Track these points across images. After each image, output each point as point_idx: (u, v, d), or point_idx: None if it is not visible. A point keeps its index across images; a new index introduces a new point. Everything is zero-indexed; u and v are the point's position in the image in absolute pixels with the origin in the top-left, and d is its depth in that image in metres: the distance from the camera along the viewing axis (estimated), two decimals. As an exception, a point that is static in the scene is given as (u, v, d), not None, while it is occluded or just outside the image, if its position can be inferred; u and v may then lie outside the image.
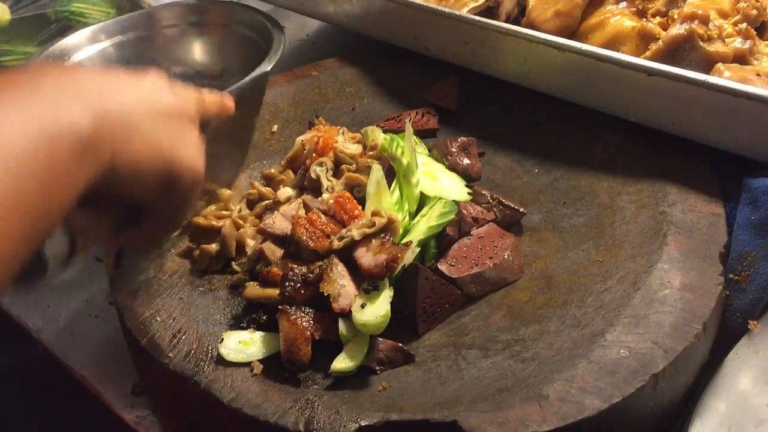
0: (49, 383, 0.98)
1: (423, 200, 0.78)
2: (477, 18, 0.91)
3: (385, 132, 0.86)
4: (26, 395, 1.02)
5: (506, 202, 0.79)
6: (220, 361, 0.67)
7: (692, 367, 0.65)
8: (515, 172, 0.88)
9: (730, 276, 0.69)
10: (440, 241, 0.75)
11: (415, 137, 0.83)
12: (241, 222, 0.81)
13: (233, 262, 0.79)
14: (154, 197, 0.57)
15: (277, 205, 0.82)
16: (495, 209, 0.79)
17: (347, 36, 1.15)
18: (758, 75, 0.77)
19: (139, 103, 0.55)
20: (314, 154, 0.85)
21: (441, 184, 0.80)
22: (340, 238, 0.70)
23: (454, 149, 0.85)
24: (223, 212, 0.83)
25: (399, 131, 0.87)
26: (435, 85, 1.01)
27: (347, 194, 0.77)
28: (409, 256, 0.69)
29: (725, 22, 0.86)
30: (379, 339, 0.67)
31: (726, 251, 0.70)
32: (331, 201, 0.76)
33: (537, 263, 0.76)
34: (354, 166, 0.82)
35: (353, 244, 0.70)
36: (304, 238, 0.71)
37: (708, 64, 0.80)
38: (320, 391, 0.64)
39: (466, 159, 0.85)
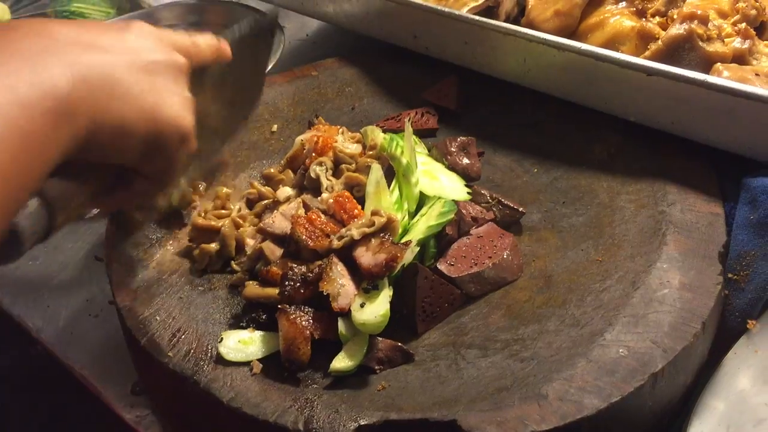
0: (48, 383, 0.98)
1: (422, 200, 0.78)
2: (476, 18, 0.91)
3: (384, 132, 0.87)
4: (26, 395, 1.02)
5: (505, 202, 0.79)
6: (220, 360, 0.67)
7: (691, 366, 0.65)
8: (515, 171, 0.89)
9: (729, 275, 0.70)
10: (439, 241, 0.75)
11: (414, 137, 0.84)
12: (240, 221, 0.81)
13: (233, 262, 0.79)
14: (139, 159, 0.54)
15: (276, 204, 0.82)
16: (494, 209, 0.79)
17: (347, 36, 1.15)
18: (757, 75, 0.77)
19: (120, 58, 0.51)
20: (314, 154, 0.85)
21: (440, 183, 0.80)
22: (340, 238, 0.70)
23: (453, 149, 0.85)
24: (223, 212, 0.83)
25: (398, 131, 0.87)
26: (434, 84, 1.01)
27: (347, 194, 0.77)
28: (408, 256, 0.69)
29: (724, 22, 0.86)
30: (379, 338, 0.67)
31: (725, 251, 0.71)
32: (331, 200, 0.76)
33: (536, 263, 0.76)
34: (353, 165, 0.83)
35: (353, 244, 0.70)
36: (304, 237, 0.71)
37: (707, 63, 0.80)
38: (319, 391, 0.64)
39: (465, 158, 0.85)
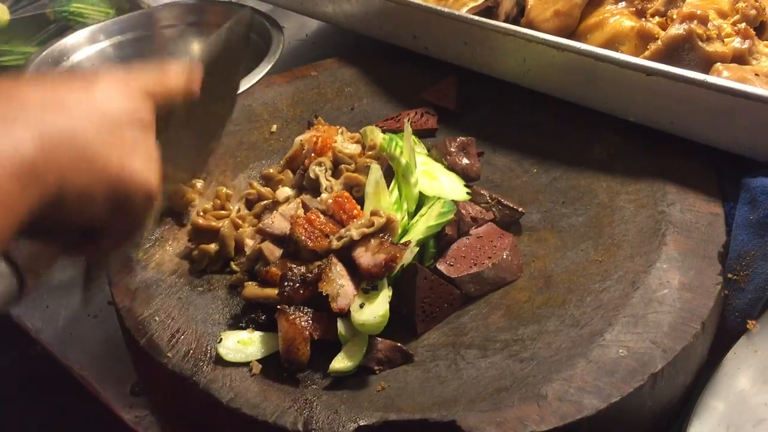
0: (48, 383, 0.98)
1: (422, 200, 0.78)
2: (476, 18, 0.91)
3: (384, 132, 0.87)
4: (25, 395, 1.02)
5: (505, 202, 0.79)
6: (219, 360, 0.67)
7: (691, 366, 0.65)
8: (514, 171, 0.88)
9: (729, 275, 0.70)
10: (439, 241, 0.75)
11: (414, 137, 0.83)
12: (239, 222, 0.81)
13: (232, 262, 0.79)
14: (105, 218, 0.54)
15: (275, 205, 0.82)
16: (494, 209, 0.79)
17: (346, 36, 1.15)
18: (757, 75, 0.77)
19: (87, 117, 0.52)
20: (313, 154, 0.85)
21: (440, 183, 0.80)
22: (339, 238, 0.70)
23: (453, 149, 0.85)
24: (222, 212, 0.83)
25: (398, 131, 0.87)
26: (434, 85, 1.01)
27: (346, 194, 0.77)
28: (407, 256, 0.69)
29: (724, 22, 0.86)
30: (378, 339, 0.67)
31: (725, 251, 0.71)
32: (330, 201, 0.76)
33: (536, 263, 0.76)
34: (353, 165, 0.82)
35: (352, 244, 0.70)
36: (303, 237, 0.71)
37: (707, 63, 0.80)
38: (319, 391, 0.64)
39: (465, 159, 0.85)
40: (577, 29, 0.92)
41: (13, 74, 1.15)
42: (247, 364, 0.67)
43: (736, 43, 0.83)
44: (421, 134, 0.94)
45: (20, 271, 0.54)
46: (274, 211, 0.79)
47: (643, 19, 0.87)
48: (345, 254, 0.70)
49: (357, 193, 0.79)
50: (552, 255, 0.76)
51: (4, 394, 1.01)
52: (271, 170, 0.88)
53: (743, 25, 0.84)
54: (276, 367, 0.66)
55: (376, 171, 0.76)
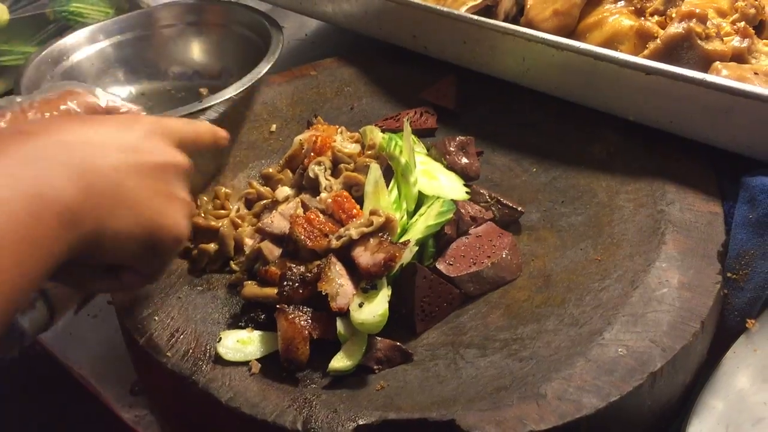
0: (48, 383, 0.98)
1: (421, 199, 0.78)
2: (475, 17, 0.91)
3: (383, 131, 0.87)
4: (26, 395, 1.02)
5: (504, 201, 0.79)
6: (218, 360, 0.67)
7: (690, 365, 0.65)
8: (513, 171, 0.88)
9: (728, 275, 0.69)
10: (438, 240, 0.75)
11: (413, 136, 0.83)
12: (239, 221, 0.81)
13: (231, 262, 0.79)
14: (134, 260, 0.56)
15: (275, 204, 0.82)
16: (493, 208, 0.79)
17: (346, 35, 1.15)
18: (756, 73, 0.77)
19: (125, 164, 0.53)
20: (312, 154, 0.85)
21: (439, 183, 0.80)
22: (338, 237, 0.70)
23: (452, 148, 0.85)
24: (221, 212, 0.83)
25: (397, 131, 0.87)
26: (433, 84, 1.01)
27: (345, 193, 0.77)
28: (407, 255, 0.69)
29: (723, 21, 0.86)
30: (377, 338, 0.67)
31: (724, 250, 0.71)
32: (329, 200, 0.76)
33: (535, 262, 0.76)
34: (352, 165, 0.82)
35: (351, 243, 0.70)
36: (302, 237, 0.71)
37: (706, 62, 0.80)
38: (318, 390, 0.64)
39: (464, 158, 0.85)
40: (577, 28, 0.92)
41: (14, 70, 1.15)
42: (246, 363, 0.67)
43: (735, 41, 0.83)
44: (421, 134, 0.94)
45: (50, 300, 0.56)
46: (274, 211, 0.79)
47: (642, 18, 0.87)
48: (344, 253, 0.70)
49: (356, 192, 0.79)
50: (551, 254, 0.76)
51: (4, 394, 1.01)
52: (271, 170, 0.88)
53: (742, 23, 0.84)
54: (275, 366, 0.66)
55: (375, 170, 0.76)
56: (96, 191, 0.50)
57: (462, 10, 0.94)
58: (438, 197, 0.77)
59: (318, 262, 0.69)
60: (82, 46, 1.11)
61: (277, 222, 0.77)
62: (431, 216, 0.74)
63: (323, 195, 0.79)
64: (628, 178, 0.81)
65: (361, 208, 0.76)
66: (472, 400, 0.60)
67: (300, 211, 0.77)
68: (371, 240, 0.69)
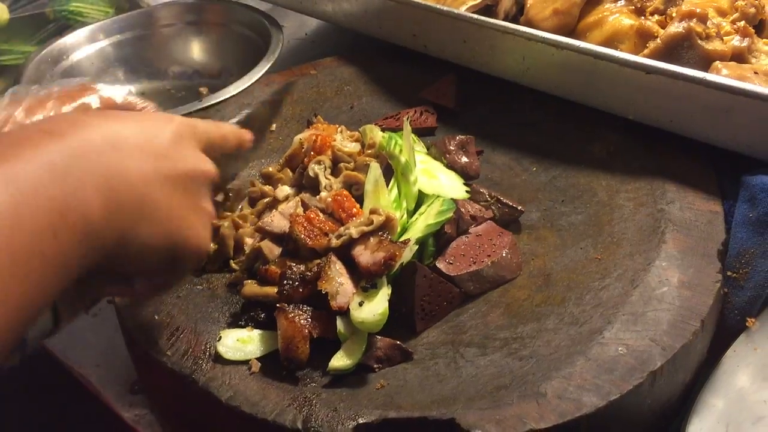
0: (48, 383, 0.98)
1: (421, 198, 0.78)
2: (475, 16, 0.91)
3: (383, 130, 0.86)
4: (26, 395, 1.02)
5: (504, 200, 0.79)
6: (218, 359, 0.67)
7: (690, 364, 0.65)
8: (513, 170, 0.88)
9: (729, 273, 0.69)
10: (438, 239, 0.75)
11: (413, 135, 0.83)
12: (240, 222, 0.81)
13: (231, 261, 0.79)
14: (151, 271, 0.55)
15: (275, 203, 0.82)
16: (493, 207, 0.79)
17: (346, 35, 1.15)
18: (756, 73, 0.77)
19: (153, 173, 0.51)
20: (312, 153, 0.85)
21: (439, 182, 0.80)
22: (338, 236, 0.70)
23: (452, 147, 0.85)
24: (225, 212, 0.83)
25: (397, 130, 0.87)
26: (433, 83, 1.01)
27: (345, 192, 0.77)
28: (407, 254, 0.69)
29: (723, 20, 0.86)
30: (377, 337, 0.67)
31: (724, 249, 0.71)
32: (329, 199, 0.76)
33: (535, 261, 0.76)
34: (352, 164, 0.82)
35: (351, 242, 0.70)
36: (302, 236, 0.71)
37: (706, 62, 0.80)
38: (318, 389, 0.64)
39: (464, 157, 0.85)
40: (576, 28, 0.92)
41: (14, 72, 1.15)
42: (246, 362, 0.67)
43: (736, 41, 0.83)
44: (421, 133, 0.94)
45: (56, 308, 0.55)
46: (274, 210, 0.79)
47: (643, 18, 0.87)
48: (344, 252, 0.70)
49: (356, 191, 0.79)
50: (551, 253, 0.76)
51: (4, 394, 1.01)
52: (271, 169, 0.88)
53: (742, 23, 0.84)
54: (275, 365, 0.66)
55: (375, 169, 0.76)
56: (122, 204, 0.48)
57: (462, 9, 0.94)
58: (438, 196, 0.77)
59: (318, 261, 0.69)
60: (82, 45, 1.11)
61: (277, 221, 0.77)
62: (431, 215, 0.74)
63: (323, 194, 0.79)
64: (628, 177, 0.81)
65: (361, 207, 0.76)
66: (472, 399, 0.60)
67: (300, 210, 0.77)
68: (371, 239, 0.69)
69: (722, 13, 0.88)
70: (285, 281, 0.68)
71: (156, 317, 0.71)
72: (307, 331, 0.66)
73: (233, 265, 0.78)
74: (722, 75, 0.76)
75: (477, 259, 0.73)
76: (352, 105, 1.03)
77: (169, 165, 0.53)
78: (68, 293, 0.55)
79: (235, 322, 0.72)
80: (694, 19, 0.81)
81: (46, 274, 0.43)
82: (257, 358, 0.67)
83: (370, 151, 0.83)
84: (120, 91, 0.66)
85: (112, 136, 0.50)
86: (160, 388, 0.72)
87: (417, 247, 0.72)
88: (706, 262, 0.69)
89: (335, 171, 0.82)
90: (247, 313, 0.72)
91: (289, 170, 0.87)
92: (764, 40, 0.86)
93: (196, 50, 1.17)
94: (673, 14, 0.84)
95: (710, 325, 0.66)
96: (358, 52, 1.10)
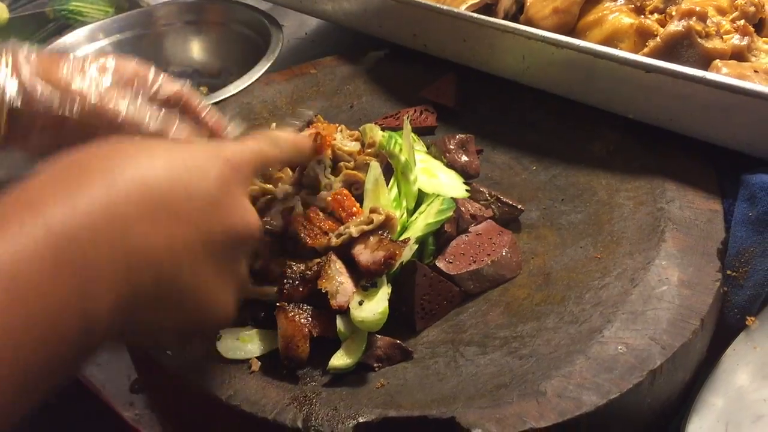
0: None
1: (421, 197, 0.78)
2: (475, 15, 0.91)
3: (383, 129, 0.86)
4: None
5: (504, 199, 0.79)
6: (218, 358, 0.67)
7: (690, 363, 0.65)
8: (513, 169, 0.88)
9: (728, 272, 0.70)
10: (438, 238, 0.75)
11: (413, 134, 0.83)
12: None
13: (231, 260, 0.79)
14: (164, 342, 0.51)
15: (274, 202, 0.82)
16: (493, 206, 0.79)
17: (346, 34, 1.15)
18: (756, 71, 0.77)
19: (180, 246, 0.42)
20: (312, 152, 0.85)
21: (439, 181, 0.80)
22: (338, 235, 0.70)
23: (452, 146, 0.85)
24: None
25: (397, 129, 0.87)
26: (433, 82, 1.01)
27: (345, 191, 0.77)
28: (407, 253, 0.69)
29: (723, 19, 0.86)
30: (377, 336, 0.67)
31: (724, 248, 0.71)
32: (329, 198, 0.76)
33: (535, 260, 0.76)
34: (352, 163, 0.82)
35: (351, 241, 0.70)
36: (302, 235, 0.71)
37: (706, 60, 0.80)
38: (318, 388, 0.64)
39: (464, 156, 0.85)
40: (576, 26, 0.92)
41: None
42: (246, 361, 0.67)
43: (735, 40, 0.83)
44: (420, 132, 0.94)
45: None
46: (273, 209, 0.79)
47: (642, 16, 0.87)
48: (344, 251, 0.70)
49: (356, 190, 0.78)
50: (551, 252, 0.76)
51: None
52: (270, 168, 0.88)
53: (742, 22, 0.84)
54: (275, 364, 0.66)
55: (375, 168, 0.76)
56: (138, 295, 0.40)
57: (462, 8, 0.94)
58: (438, 195, 0.77)
59: (318, 260, 0.69)
60: (82, 44, 1.11)
61: (276, 220, 0.77)
62: (431, 214, 0.74)
63: (323, 193, 0.79)
64: (627, 176, 0.81)
65: (361, 206, 0.76)
66: (472, 398, 0.60)
67: (300, 209, 0.77)
68: (371, 238, 0.69)
69: (722, 12, 0.88)
70: (285, 280, 0.68)
71: (156, 316, 0.71)
72: (307, 330, 0.66)
73: (233, 264, 0.78)
74: (722, 73, 0.76)
75: (477, 258, 0.73)
76: (351, 104, 1.03)
77: (206, 228, 0.44)
78: None
79: (234, 321, 0.72)
80: (694, 18, 0.81)
81: (58, 363, 0.37)
82: (257, 357, 0.67)
83: (369, 150, 0.83)
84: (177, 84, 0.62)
85: (141, 188, 0.41)
86: (160, 387, 0.72)
87: (417, 246, 0.72)
88: (705, 260, 0.69)
89: (335, 170, 0.82)
90: (247, 312, 0.72)
91: (288, 169, 0.87)
92: (764, 38, 0.86)
93: (195, 49, 1.17)
94: (673, 13, 0.84)
95: (710, 324, 0.66)
96: (358, 52, 1.10)
